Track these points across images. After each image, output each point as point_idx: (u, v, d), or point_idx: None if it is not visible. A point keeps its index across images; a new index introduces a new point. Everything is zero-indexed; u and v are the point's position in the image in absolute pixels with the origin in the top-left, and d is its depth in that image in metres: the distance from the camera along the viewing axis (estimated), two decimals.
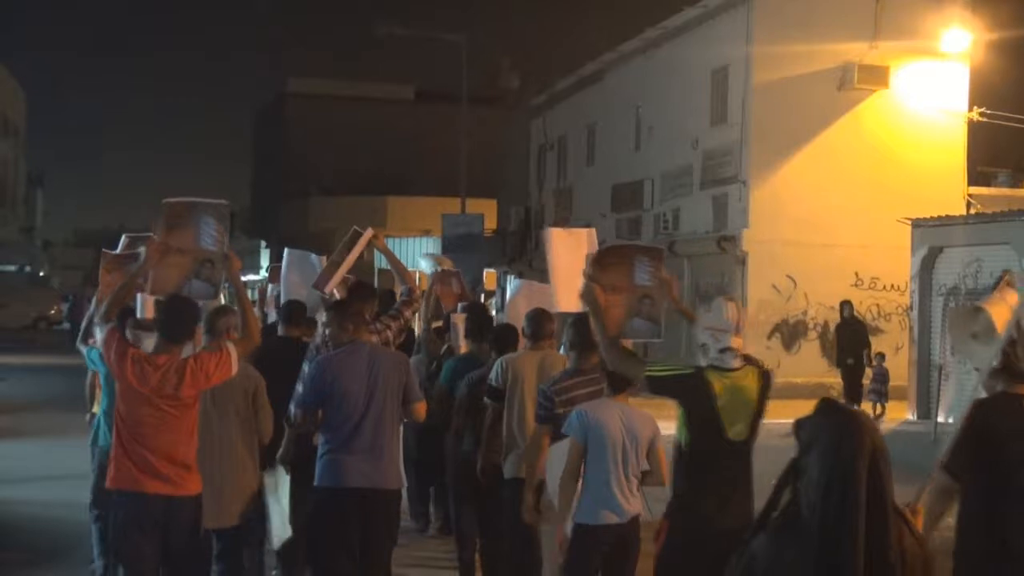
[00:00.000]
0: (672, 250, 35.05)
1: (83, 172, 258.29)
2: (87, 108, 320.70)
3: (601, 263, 8.11)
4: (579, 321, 8.45)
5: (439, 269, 15.03)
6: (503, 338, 10.11)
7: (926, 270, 25.49)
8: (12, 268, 75.09)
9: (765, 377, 7.14)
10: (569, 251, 9.20)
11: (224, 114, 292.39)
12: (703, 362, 7.03)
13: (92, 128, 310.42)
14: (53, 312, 65.89)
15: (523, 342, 9.87)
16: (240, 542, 8.98)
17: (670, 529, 7.11)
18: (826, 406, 4.15)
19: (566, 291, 8.98)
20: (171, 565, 7.70)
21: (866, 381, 25.51)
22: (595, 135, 43.07)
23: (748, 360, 7.15)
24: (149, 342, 8.07)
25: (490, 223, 49.68)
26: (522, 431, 9.09)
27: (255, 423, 8.81)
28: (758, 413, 7.05)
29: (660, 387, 7.15)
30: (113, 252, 9.86)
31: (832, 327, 28.75)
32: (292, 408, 9.03)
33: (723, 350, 6.98)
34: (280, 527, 9.37)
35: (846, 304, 26.38)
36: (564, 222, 45.02)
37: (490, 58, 73.99)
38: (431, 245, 49.08)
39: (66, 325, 56.53)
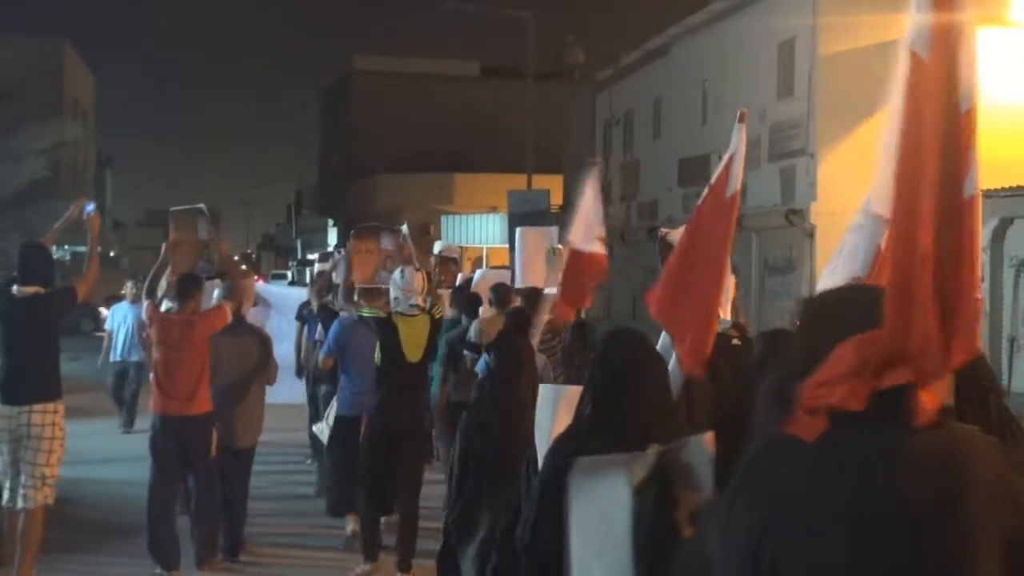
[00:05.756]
0: (739, 224, 34.89)
1: (153, 152, 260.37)
2: (156, 87, 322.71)
3: (360, 234, 13.50)
4: (499, 287, 12.86)
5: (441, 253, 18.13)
6: (470, 304, 13.35)
7: (997, 241, 25.27)
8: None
9: (433, 320, 11.15)
10: (534, 244, 12.73)
11: (292, 92, 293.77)
12: (400, 308, 11.01)
13: (161, 108, 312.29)
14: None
15: (490, 308, 13.16)
16: (250, 462, 12.12)
17: (369, 422, 11.11)
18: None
19: (530, 271, 12.69)
20: (190, 466, 11.02)
21: None
22: (661, 109, 42.94)
23: (428, 309, 11.14)
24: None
25: (556, 199, 49.67)
26: None
27: (266, 371, 12.05)
28: (429, 344, 11.06)
29: (366, 323, 11.18)
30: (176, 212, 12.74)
31: None
32: (321, 354, 12.84)
33: (411, 305, 10.98)
34: (322, 433, 12.98)
35: None
36: (632, 197, 45.10)
37: (555, 33, 74.03)
38: (498, 222, 49.22)
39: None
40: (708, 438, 4.11)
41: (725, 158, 7.10)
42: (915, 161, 3.41)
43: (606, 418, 4.93)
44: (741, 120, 7.15)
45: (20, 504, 10.09)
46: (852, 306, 3.38)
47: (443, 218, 58.32)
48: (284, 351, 15.11)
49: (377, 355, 10.99)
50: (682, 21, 40.24)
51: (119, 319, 20.47)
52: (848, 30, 30.25)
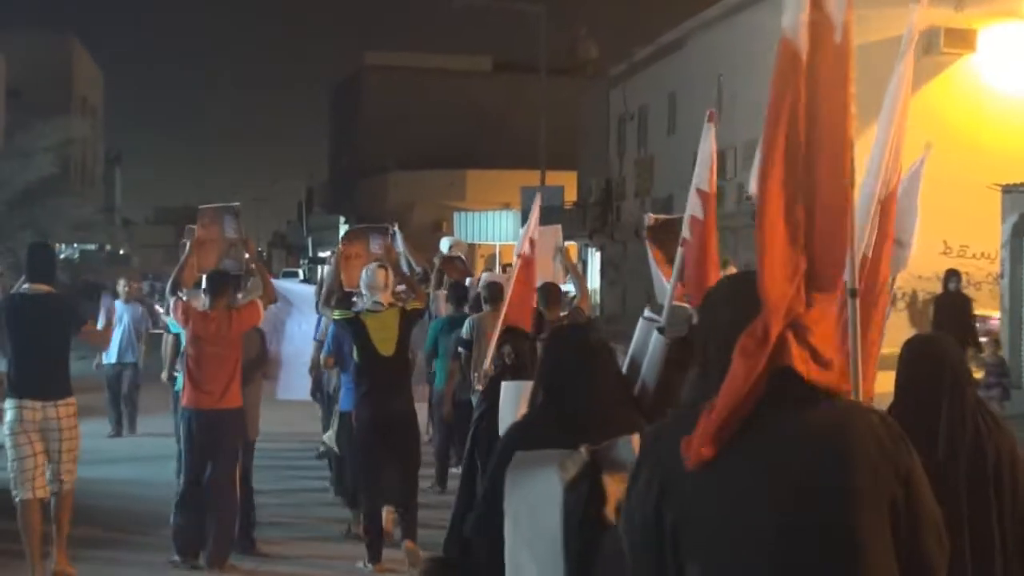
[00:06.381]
0: (756, 221, 34.86)
1: (162, 149, 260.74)
2: (165, 84, 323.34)
3: (349, 238, 14.24)
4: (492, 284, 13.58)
5: (450, 251, 18.75)
6: (477, 302, 13.79)
7: (1017, 237, 25.18)
8: (92, 247, 76.01)
9: (403, 313, 11.42)
10: (542, 242, 12.44)
11: (301, 88, 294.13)
12: (367, 305, 11.44)
13: (170, 104, 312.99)
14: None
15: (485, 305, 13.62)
16: (252, 454, 12.31)
17: (357, 416, 11.39)
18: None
19: (541, 269, 12.47)
20: (218, 458, 11.17)
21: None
22: (676, 104, 42.94)
23: (396, 303, 11.60)
24: (196, 302, 11.67)
25: (570, 195, 49.75)
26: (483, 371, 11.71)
27: (264, 366, 12.64)
28: (400, 337, 11.29)
29: (338, 325, 11.64)
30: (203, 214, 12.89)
31: (921, 297, 28.44)
32: (323, 354, 12.98)
33: (375, 301, 11.34)
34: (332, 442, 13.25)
35: (952, 275, 22.60)
36: (646, 193, 45.10)
37: (568, 28, 73.96)
38: (511, 219, 49.23)
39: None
40: (636, 439, 4.38)
41: (708, 162, 7.32)
42: (782, 148, 3.60)
43: (555, 409, 5.21)
44: (710, 120, 7.31)
45: (55, 490, 10.62)
46: (741, 294, 3.54)
47: (455, 215, 58.32)
48: (299, 349, 15.30)
49: (354, 353, 11.44)
50: (697, 15, 40.27)
51: (114, 319, 19.87)
52: (864, 23, 30.09)
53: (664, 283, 9.11)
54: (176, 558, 11.13)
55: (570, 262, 13.19)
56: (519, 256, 11.33)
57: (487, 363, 10.85)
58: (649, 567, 3.44)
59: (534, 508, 4.60)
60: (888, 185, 5.78)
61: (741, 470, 3.30)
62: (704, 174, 7.33)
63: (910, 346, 5.76)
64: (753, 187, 3.72)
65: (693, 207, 7.35)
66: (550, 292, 12.69)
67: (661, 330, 6.73)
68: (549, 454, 4.64)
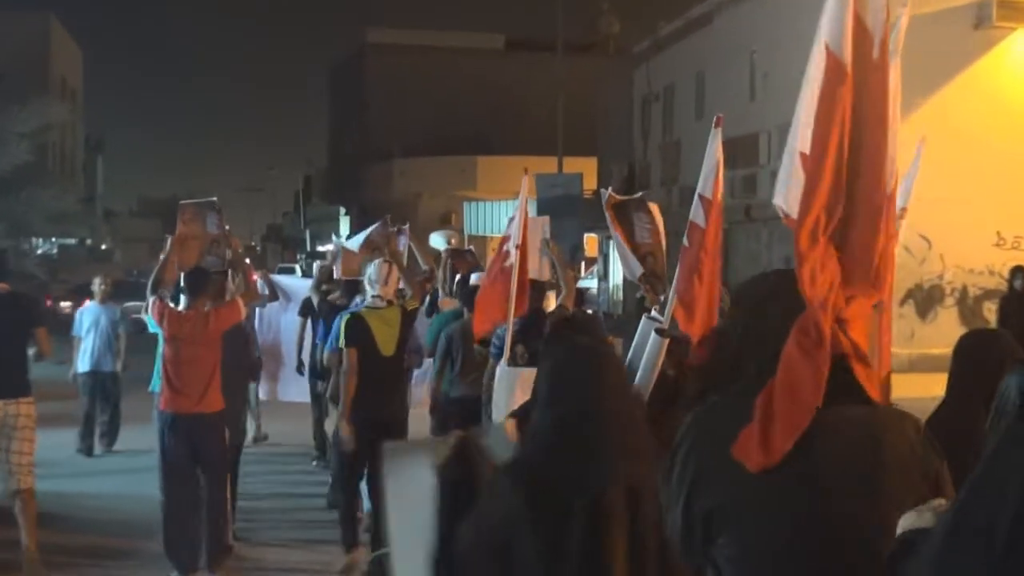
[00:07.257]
0: (794, 227, 34.68)
1: (147, 135, 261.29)
2: (150, 64, 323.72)
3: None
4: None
5: (451, 244, 19.03)
6: (472, 298, 13.58)
7: None
8: (72, 241, 76.12)
9: (404, 311, 11.95)
10: (532, 233, 12.77)
11: (299, 68, 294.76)
12: (368, 302, 11.92)
13: (156, 86, 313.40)
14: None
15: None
16: (238, 453, 12.88)
17: (351, 418, 11.55)
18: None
19: (529, 263, 12.72)
20: (202, 464, 11.40)
21: None
22: (705, 84, 42.82)
23: (398, 300, 12.15)
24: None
25: (590, 183, 49.62)
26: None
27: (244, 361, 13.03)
28: (402, 336, 11.79)
29: (341, 329, 11.80)
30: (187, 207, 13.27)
31: (972, 293, 28.30)
32: (325, 351, 13.56)
33: (375, 296, 11.81)
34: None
35: (1018, 272, 22.49)
36: (673, 181, 45.06)
37: (588, 1, 73.89)
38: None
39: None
40: (509, 424, 4.99)
41: (714, 168, 7.75)
42: (831, 162, 3.95)
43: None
44: (717, 125, 7.71)
45: (14, 487, 11.35)
46: (785, 291, 3.84)
47: (465, 205, 58.38)
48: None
49: (354, 351, 11.74)
50: None
51: (89, 322, 18.80)
52: None
53: (631, 261, 10.53)
54: (175, 574, 11.34)
55: (557, 256, 13.32)
56: (517, 247, 11.44)
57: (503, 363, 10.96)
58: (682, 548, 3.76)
59: (411, 495, 4.94)
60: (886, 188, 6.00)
61: (780, 463, 3.56)
62: (709, 180, 7.69)
63: (972, 340, 6.04)
64: (779, 199, 3.95)
65: (695, 213, 7.74)
66: (534, 290, 12.59)
67: (660, 331, 7.09)
68: (422, 442, 5.34)
